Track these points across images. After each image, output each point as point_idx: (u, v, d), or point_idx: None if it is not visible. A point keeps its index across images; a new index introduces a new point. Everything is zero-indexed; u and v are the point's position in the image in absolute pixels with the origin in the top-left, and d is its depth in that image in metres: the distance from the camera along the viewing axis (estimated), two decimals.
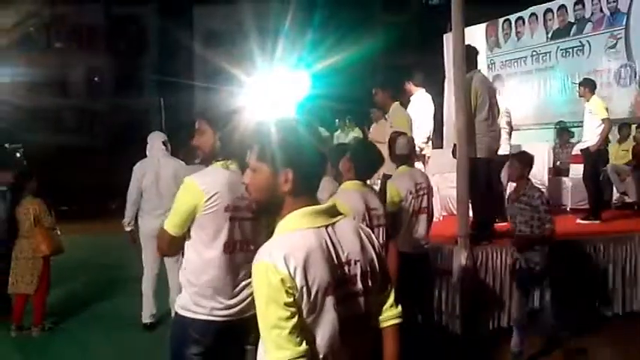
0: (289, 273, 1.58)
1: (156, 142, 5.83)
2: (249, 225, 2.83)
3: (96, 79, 24.49)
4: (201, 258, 2.73)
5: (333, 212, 1.77)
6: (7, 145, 11.98)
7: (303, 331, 1.60)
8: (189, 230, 2.74)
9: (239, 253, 2.78)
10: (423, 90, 6.61)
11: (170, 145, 5.90)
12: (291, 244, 1.63)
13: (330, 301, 1.64)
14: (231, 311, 2.76)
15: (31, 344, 5.56)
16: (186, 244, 2.77)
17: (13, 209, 5.87)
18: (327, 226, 1.72)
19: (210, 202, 2.68)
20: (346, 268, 1.71)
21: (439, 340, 4.62)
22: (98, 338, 5.62)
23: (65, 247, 5.97)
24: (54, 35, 23.85)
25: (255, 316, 2.54)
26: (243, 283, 2.79)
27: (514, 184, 4.83)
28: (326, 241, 1.68)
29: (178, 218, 2.73)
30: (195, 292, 2.73)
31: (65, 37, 24.33)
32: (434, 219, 4.99)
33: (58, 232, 5.96)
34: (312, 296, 1.61)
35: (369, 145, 4.39)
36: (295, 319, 1.58)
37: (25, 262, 5.65)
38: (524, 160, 4.65)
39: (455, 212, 5.83)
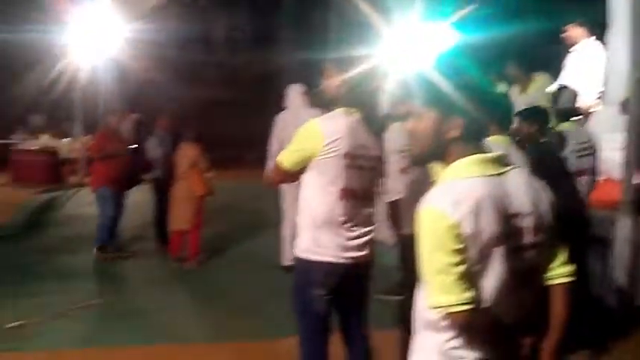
0: (458, 220, 1.56)
1: (295, 93, 6.02)
2: (368, 174, 2.87)
3: (236, 34, 25.44)
4: (320, 202, 2.78)
5: (504, 161, 1.73)
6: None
7: (470, 279, 1.59)
8: (308, 174, 2.81)
9: (357, 200, 2.82)
10: (593, 38, 5.98)
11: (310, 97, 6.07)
12: (461, 191, 1.61)
13: (497, 252, 1.61)
14: (352, 254, 2.82)
15: (186, 275, 6.27)
16: (305, 187, 2.84)
17: (173, 153, 6.46)
18: (497, 176, 1.68)
19: (330, 147, 2.71)
20: (516, 220, 1.66)
21: (592, 312, 4.40)
22: (242, 276, 6.23)
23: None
24: None
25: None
26: (363, 229, 2.86)
27: None
28: (496, 191, 1.64)
29: (295, 156, 2.81)
30: (314, 236, 2.80)
31: None
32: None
33: (211, 176, 6.52)
34: (480, 245, 1.59)
35: (505, 96, 4.17)
36: (462, 267, 1.57)
37: (181, 202, 6.32)
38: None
39: (615, 177, 5.40)
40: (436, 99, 1.70)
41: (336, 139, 2.71)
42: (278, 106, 6.16)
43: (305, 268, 2.85)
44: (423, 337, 1.75)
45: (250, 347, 4.39)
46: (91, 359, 4.17)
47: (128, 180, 6.91)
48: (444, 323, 1.64)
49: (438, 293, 1.59)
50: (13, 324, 4.64)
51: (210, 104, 18.09)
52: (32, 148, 14.34)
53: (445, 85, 1.70)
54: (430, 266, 1.61)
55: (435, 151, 1.74)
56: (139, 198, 8.02)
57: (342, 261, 2.80)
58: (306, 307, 2.87)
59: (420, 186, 2.94)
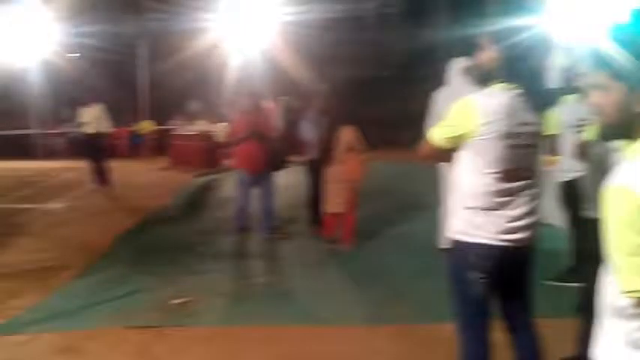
0: None
1: (456, 69, 5.90)
2: (529, 152, 2.79)
3: (387, 10, 25.38)
4: (477, 184, 2.74)
5: None
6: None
7: None
8: (463, 154, 2.77)
9: (517, 181, 2.74)
10: None
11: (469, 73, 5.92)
12: None
13: None
14: (510, 237, 2.75)
15: (340, 257, 6.49)
16: (461, 168, 2.81)
17: (327, 135, 6.66)
18: None
19: (488, 128, 2.65)
20: None
21: None
22: (398, 258, 6.36)
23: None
24: None
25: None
26: (524, 210, 2.77)
27: None
28: None
29: (448, 133, 2.79)
30: (470, 217, 2.76)
31: None
32: None
33: (367, 158, 6.70)
34: None
35: None
36: None
37: (337, 185, 6.54)
38: None
39: None
40: (624, 71, 1.64)
41: (495, 120, 2.66)
42: (436, 83, 6.08)
43: (461, 250, 2.84)
44: (610, 326, 1.69)
45: (406, 331, 4.43)
46: (249, 337, 4.42)
47: (273, 163, 7.20)
48: (636, 310, 1.56)
49: (630, 277, 1.53)
50: (177, 300, 5.09)
51: (363, 83, 18.32)
52: (189, 133, 15.44)
53: (631, 56, 1.62)
54: (620, 248, 1.55)
55: (623, 126, 1.68)
56: (293, 180, 8.40)
57: (500, 243, 2.75)
58: (464, 291, 2.87)
59: (602, 163, 2.78)
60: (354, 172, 6.48)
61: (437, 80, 6.12)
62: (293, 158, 7.86)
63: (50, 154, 18.43)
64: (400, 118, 16.49)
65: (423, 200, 7.98)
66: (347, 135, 6.52)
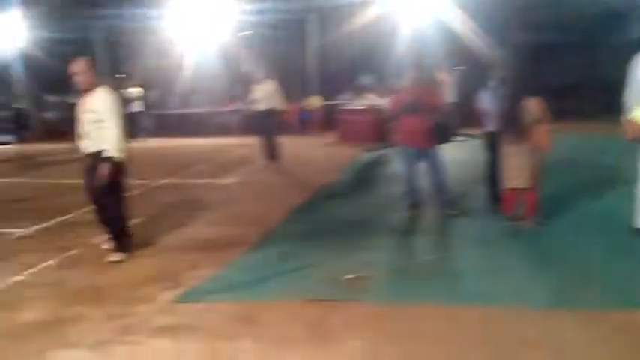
0: None
1: None
2: None
3: None
4: None
5: None
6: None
7: None
8: None
9: None
10: None
11: None
12: None
13: None
14: None
15: (521, 235, 6.33)
16: None
17: (508, 106, 6.49)
18: None
19: None
20: None
21: None
22: (586, 238, 6.07)
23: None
24: None
25: None
26: None
27: None
28: None
29: None
30: None
31: None
32: None
33: (551, 130, 6.42)
34: None
35: None
36: None
37: (520, 159, 6.39)
38: None
39: None
40: None
41: None
42: (633, 47, 5.63)
43: None
44: None
45: (595, 316, 4.25)
46: (421, 316, 4.45)
47: (438, 136, 7.19)
48: None
49: None
50: (350, 276, 5.31)
51: (545, 50, 17.57)
52: (358, 107, 15.72)
53: None
54: None
55: None
56: (468, 154, 8.27)
57: None
58: None
59: None
60: (540, 144, 6.27)
61: (633, 45, 5.68)
62: (470, 131, 7.74)
63: (224, 131, 19.67)
64: (585, 86, 15.66)
65: (616, 176, 7.59)
66: (532, 106, 6.29)
